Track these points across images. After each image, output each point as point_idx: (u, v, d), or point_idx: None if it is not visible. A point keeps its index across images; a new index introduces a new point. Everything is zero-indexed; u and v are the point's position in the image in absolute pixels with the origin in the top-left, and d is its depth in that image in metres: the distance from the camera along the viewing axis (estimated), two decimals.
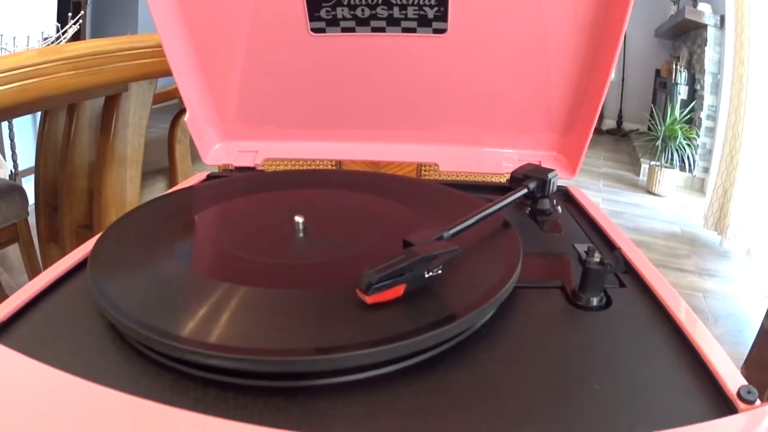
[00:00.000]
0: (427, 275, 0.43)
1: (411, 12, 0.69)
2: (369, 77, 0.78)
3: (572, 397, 0.37)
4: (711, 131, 3.53)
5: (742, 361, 1.59)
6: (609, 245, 0.61)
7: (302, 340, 0.39)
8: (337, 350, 0.36)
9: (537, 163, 0.75)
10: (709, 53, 3.55)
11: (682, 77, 3.88)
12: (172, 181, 1.50)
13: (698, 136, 3.58)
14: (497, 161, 0.82)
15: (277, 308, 0.43)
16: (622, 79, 5.14)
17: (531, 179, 0.66)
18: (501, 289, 0.43)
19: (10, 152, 2.52)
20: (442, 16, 0.69)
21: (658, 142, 3.58)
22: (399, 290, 0.41)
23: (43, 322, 0.45)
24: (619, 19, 0.66)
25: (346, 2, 0.70)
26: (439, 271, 0.44)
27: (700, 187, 3.62)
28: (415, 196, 0.67)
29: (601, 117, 5.30)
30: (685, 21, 3.66)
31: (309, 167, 0.99)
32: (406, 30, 0.71)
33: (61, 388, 0.35)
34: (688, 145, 3.54)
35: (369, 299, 0.40)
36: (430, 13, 0.69)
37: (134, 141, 1.28)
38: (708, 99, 3.55)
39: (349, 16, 0.70)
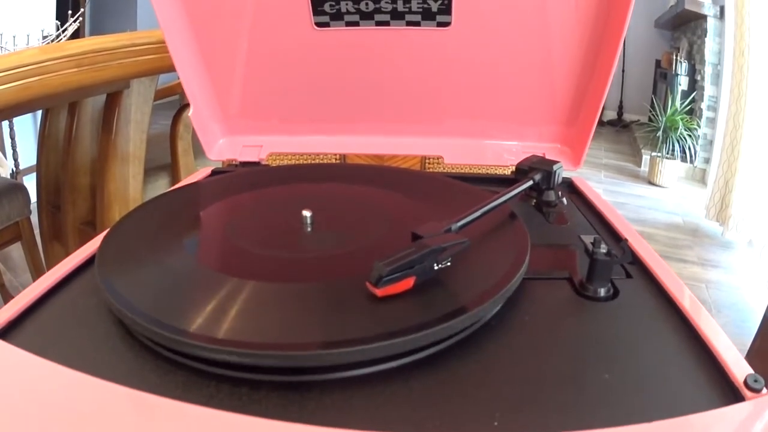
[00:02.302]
0: (436, 267, 0.43)
1: (415, 5, 0.69)
2: (373, 71, 0.78)
3: (582, 386, 0.37)
4: (712, 122, 3.52)
5: (745, 352, 1.59)
6: (615, 236, 0.61)
7: (315, 335, 0.39)
8: (351, 344, 0.36)
9: (541, 155, 0.75)
10: (710, 44, 3.53)
11: (682, 68, 3.86)
12: (174, 177, 1.50)
13: (699, 126, 3.58)
14: (502, 153, 0.82)
15: (288, 302, 0.43)
16: (623, 70, 5.12)
17: (536, 171, 0.66)
18: (510, 281, 0.44)
19: (11, 151, 2.52)
20: (446, 9, 0.69)
21: (659, 133, 3.57)
22: (409, 283, 0.41)
23: (51, 320, 0.45)
24: (622, 10, 0.66)
25: None
26: (449, 264, 0.44)
27: (702, 178, 3.62)
28: (421, 188, 0.67)
29: (602, 108, 5.29)
30: (684, 11, 3.65)
31: (313, 161, 0.99)
32: (410, 23, 0.71)
33: (70, 386, 0.35)
34: (689, 136, 3.53)
35: (380, 292, 0.40)
36: (434, 6, 0.69)
37: (136, 138, 1.28)
38: (708, 90, 3.54)
39: (353, 10, 0.70)
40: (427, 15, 0.70)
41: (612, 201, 3.20)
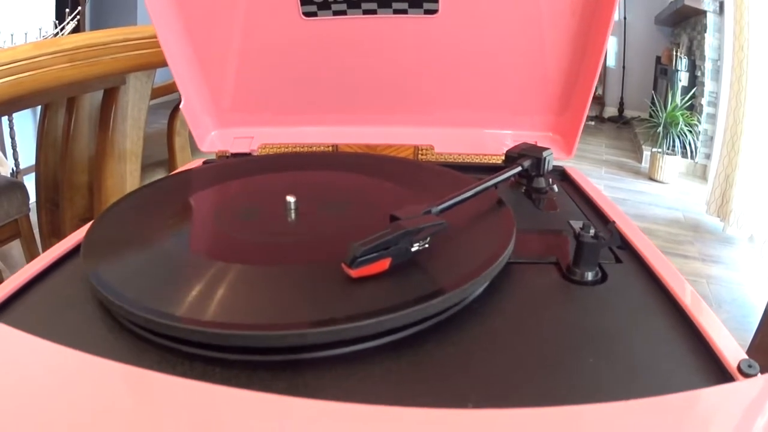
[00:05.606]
0: (413, 249, 0.43)
1: None
2: (362, 60, 0.78)
3: (565, 370, 0.36)
4: (712, 117, 3.52)
5: (746, 348, 1.59)
6: (606, 222, 0.61)
7: (287, 315, 0.39)
8: (322, 324, 0.36)
9: (533, 143, 0.75)
10: (709, 39, 3.53)
11: (682, 64, 3.86)
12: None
13: (699, 122, 3.58)
14: (493, 142, 0.82)
15: (263, 284, 0.43)
16: (623, 67, 5.12)
17: (525, 157, 0.65)
18: (493, 263, 0.43)
19: (11, 150, 2.53)
20: None
21: (660, 129, 3.57)
22: (384, 264, 0.41)
23: (37, 304, 0.45)
24: None
25: None
26: (426, 245, 0.44)
27: (702, 174, 3.61)
28: (409, 176, 0.67)
29: (603, 104, 5.30)
30: (684, 7, 3.65)
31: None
32: (397, 11, 0.71)
33: (57, 360, 0.36)
34: (690, 132, 3.53)
35: (354, 273, 0.40)
36: None
37: (133, 134, 1.28)
38: (709, 85, 3.54)
39: None
40: (414, 2, 0.69)
41: (613, 197, 3.18)
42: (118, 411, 0.31)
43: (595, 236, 0.46)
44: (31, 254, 1.54)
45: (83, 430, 0.30)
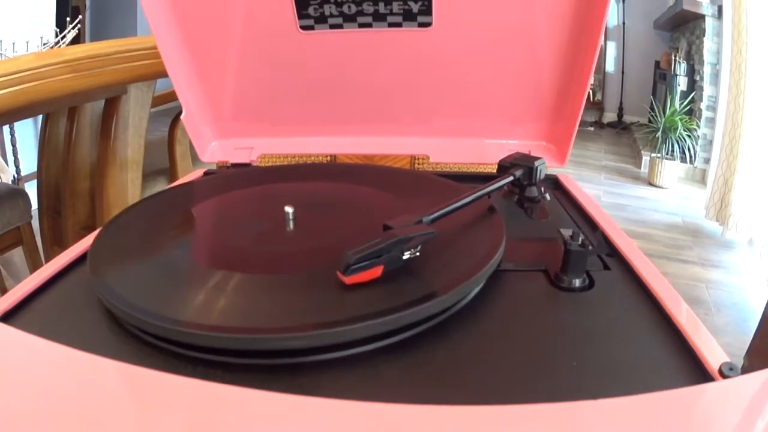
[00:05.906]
0: (404, 257, 0.44)
1: (396, 7, 0.70)
2: (359, 72, 0.79)
3: (550, 373, 0.38)
4: (711, 122, 3.52)
5: (745, 351, 1.59)
6: (596, 230, 0.62)
7: (285, 320, 0.40)
8: (316, 328, 0.38)
9: (527, 153, 0.76)
10: (708, 44, 3.54)
11: (681, 68, 3.87)
12: (172, 181, 1.51)
13: (698, 127, 3.58)
14: (487, 152, 0.83)
15: (260, 291, 0.44)
16: (622, 72, 5.13)
17: (518, 167, 0.67)
18: (480, 270, 0.45)
19: (13, 158, 2.54)
20: (427, 10, 0.70)
21: (659, 134, 3.58)
22: (377, 271, 0.43)
23: (45, 311, 0.47)
24: (600, 8, 0.67)
25: None
26: (417, 253, 0.45)
27: (702, 178, 3.61)
28: (405, 185, 0.69)
29: (602, 110, 5.30)
30: (683, 12, 3.66)
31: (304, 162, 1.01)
32: (392, 25, 0.72)
33: (65, 362, 0.37)
34: (689, 136, 3.54)
35: (348, 280, 0.41)
36: (415, 8, 0.70)
37: (134, 143, 1.29)
38: (707, 89, 3.55)
39: (336, 13, 0.71)
40: (408, 16, 0.71)
41: (612, 203, 3.20)
42: (123, 407, 0.33)
43: (583, 244, 0.47)
44: (33, 262, 1.55)
45: (90, 427, 0.31)
